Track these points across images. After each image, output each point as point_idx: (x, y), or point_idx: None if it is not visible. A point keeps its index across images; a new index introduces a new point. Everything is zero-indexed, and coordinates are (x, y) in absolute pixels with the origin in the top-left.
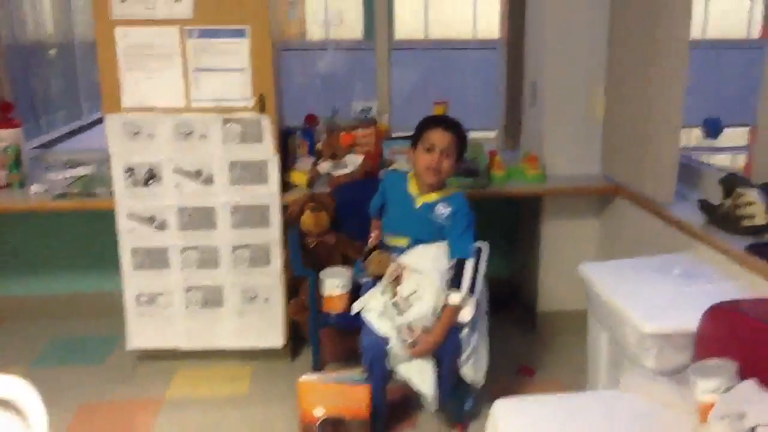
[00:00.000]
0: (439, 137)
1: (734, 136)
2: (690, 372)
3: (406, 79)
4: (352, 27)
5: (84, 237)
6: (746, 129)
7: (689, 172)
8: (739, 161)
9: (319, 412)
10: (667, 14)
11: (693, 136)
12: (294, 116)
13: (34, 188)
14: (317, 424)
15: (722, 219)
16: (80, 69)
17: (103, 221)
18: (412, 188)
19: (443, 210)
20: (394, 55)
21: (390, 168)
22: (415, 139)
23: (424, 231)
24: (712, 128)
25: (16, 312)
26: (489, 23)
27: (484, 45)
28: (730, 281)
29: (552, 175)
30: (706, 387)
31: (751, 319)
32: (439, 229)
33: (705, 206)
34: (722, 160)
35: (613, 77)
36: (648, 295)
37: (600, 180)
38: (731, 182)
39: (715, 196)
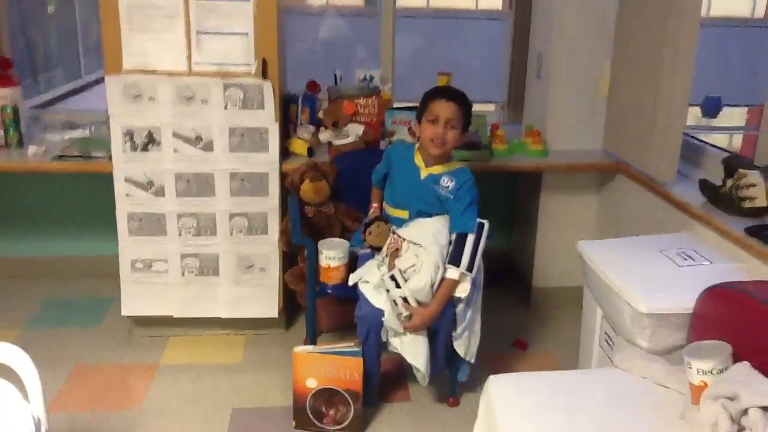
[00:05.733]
0: (443, 108)
1: (731, 115)
2: (684, 353)
3: (408, 48)
4: None
5: (81, 199)
6: (744, 109)
7: (690, 150)
8: (735, 141)
9: (312, 383)
10: None
11: (690, 115)
12: (294, 82)
13: (32, 149)
14: (310, 395)
15: (723, 199)
16: (80, 27)
17: (101, 184)
18: (418, 160)
19: (448, 183)
20: (396, 23)
21: (396, 138)
22: (419, 112)
23: (427, 203)
24: (712, 107)
25: (11, 272)
26: None
27: (488, 15)
28: (729, 263)
29: (553, 150)
30: (700, 368)
31: (749, 301)
32: (441, 202)
33: (706, 186)
34: (718, 140)
35: (620, 52)
36: (645, 274)
37: (601, 156)
38: (733, 163)
39: (716, 175)
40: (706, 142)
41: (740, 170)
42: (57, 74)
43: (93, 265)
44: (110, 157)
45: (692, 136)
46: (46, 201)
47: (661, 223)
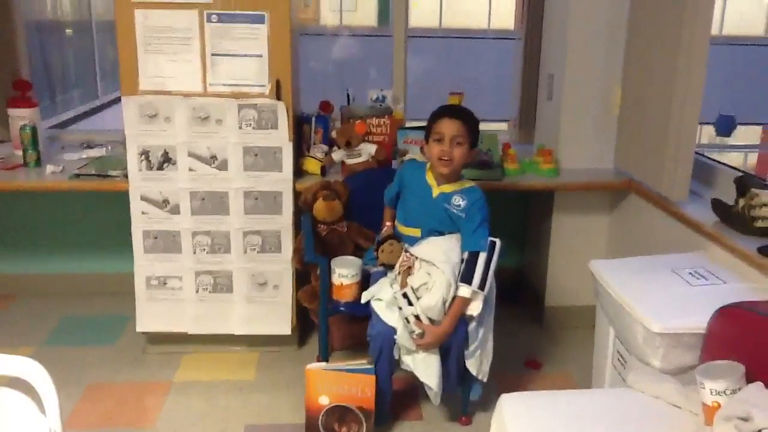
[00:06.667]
0: (447, 126)
1: (745, 134)
2: (697, 373)
3: (421, 68)
4: (366, 14)
5: (98, 218)
6: (759, 128)
7: (703, 169)
8: (750, 160)
9: (324, 401)
10: (690, 10)
11: (704, 134)
12: (307, 102)
13: (50, 168)
14: (323, 413)
15: (735, 219)
16: (97, 49)
17: (118, 203)
18: (430, 179)
19: (460, 201)
20: (409, 43)
21: (408, 157)
22: (426, 132)
23: (439, 221)
24: (725, 126)
25: (28, 290)
26: (504, 14)
27: (500, 35)
28: (741, 282)
29: (565, 170)
30: (713, 388)
31: (762, 321)
32: (453, 221)
33: (718, 205)
34: (733, 159)
35: (631, 71)
36: (657, 293)
37: (613, 175)
38: (745, 182)
39: (729, 195)
40: (718, 161)
41: (753, 189)
42: (74, 95)
43: (111, 283)
44: (126, 176)
45: (704, 155)
46: (64, 219)
47: (673, 242)
